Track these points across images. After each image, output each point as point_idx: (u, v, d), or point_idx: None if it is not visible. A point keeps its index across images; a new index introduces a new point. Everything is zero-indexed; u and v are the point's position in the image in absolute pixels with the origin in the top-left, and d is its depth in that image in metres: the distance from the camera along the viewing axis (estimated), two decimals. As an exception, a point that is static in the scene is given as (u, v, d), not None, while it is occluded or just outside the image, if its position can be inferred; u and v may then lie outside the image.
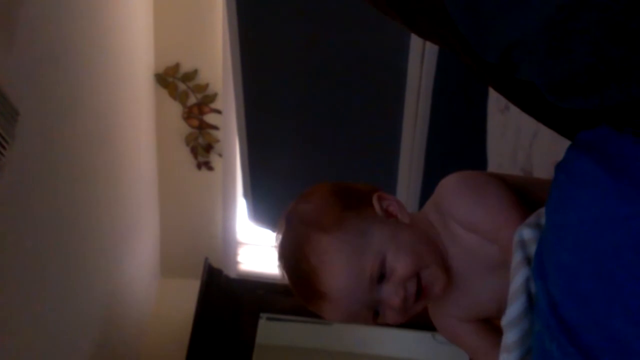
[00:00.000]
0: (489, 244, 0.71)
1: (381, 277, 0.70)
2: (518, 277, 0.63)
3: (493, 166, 1.59)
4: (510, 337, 0.63)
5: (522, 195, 0.71)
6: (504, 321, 0.64)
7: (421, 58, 1.77)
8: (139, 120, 2.39)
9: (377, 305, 0.72)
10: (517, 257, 0.64)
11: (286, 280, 0.75)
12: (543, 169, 1.34)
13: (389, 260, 0.70)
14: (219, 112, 2.48)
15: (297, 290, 0.74)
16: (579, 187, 0.56)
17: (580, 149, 0.58)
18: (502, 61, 0.58)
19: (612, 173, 0.54)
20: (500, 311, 0.66)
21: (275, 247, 0.77)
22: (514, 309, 0.63)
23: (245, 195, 2.32)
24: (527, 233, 0.64)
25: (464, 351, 0.79)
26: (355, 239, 0.71)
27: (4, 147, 1.36)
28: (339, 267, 0.70)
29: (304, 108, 2.08)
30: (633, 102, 0.53)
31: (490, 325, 0.76)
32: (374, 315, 0.72)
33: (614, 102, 0.53)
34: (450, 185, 0.73)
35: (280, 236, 0.76)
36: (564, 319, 0.56)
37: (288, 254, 0.74)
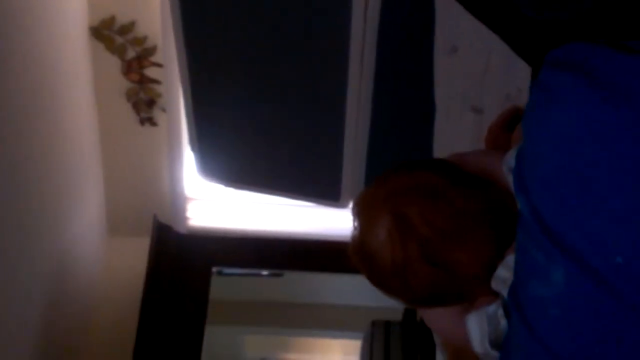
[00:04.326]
0: None
1: None
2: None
3: (442, 110, 1.59)
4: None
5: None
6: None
7: (364, 7, 1.75)
8: (75, 77, 2.32)
9: None
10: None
11: None
12: (494, 107, 1.35)
13: None
14: (159, 65, 2.41)
15: None
16: (560, 102, 0.58)
17: (555, 67, 0.59)
18: None
19: (592, 84, 0.55)
20: None
21: None
22: None
23: (193, 148, 2.28)
24: (512, 161, 0.69)
25: None
26: None
27: None
28: None
29: (248, 60, 2.03)
30: (607, 10, 0.54)
31: None
32: None
33: (591, 4, 0.54)
34: None
35: None
36: (547, 224, 0.59)
37: None
